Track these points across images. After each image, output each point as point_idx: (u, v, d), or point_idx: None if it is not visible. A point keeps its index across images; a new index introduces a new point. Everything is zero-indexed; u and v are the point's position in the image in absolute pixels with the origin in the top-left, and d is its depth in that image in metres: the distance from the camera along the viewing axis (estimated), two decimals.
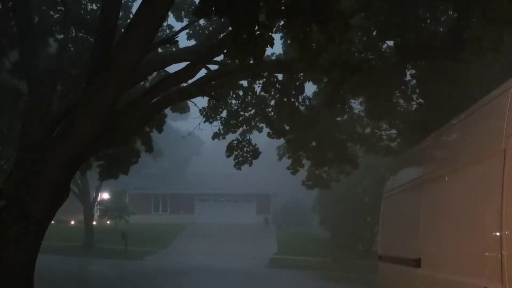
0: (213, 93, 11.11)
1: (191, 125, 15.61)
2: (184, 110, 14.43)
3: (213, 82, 9.96)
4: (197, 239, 31.84)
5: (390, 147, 16.32)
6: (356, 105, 15.94)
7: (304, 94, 12.40)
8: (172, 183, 43.41)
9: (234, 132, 14.31)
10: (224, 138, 14.22)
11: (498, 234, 3.00)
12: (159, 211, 41.90)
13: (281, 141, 17.31)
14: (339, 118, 15.36)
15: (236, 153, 14.17)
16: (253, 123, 14.19)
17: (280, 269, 22.35)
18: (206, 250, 27.66)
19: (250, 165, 14.34)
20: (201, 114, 13.54)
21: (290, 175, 16.06)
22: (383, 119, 14.51)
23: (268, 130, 14.12)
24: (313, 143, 14.44)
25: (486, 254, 3.16)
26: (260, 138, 14.81)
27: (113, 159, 11.65)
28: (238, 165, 14.28)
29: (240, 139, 14.16)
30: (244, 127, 14.21)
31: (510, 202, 2.93)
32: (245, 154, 14.19)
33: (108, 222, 34.72)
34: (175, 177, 46.53)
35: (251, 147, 14.15)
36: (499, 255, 2.96)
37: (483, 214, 3.28)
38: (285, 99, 12.21)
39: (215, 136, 14.21)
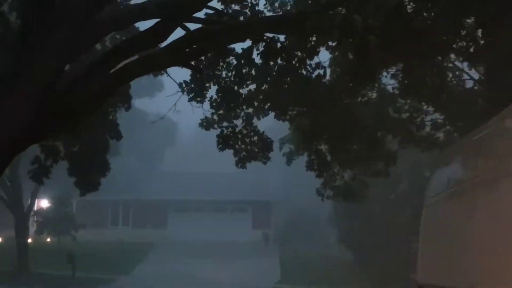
0: (193, 62, 11.07)
1: (163, 105, 15.52)
2: (154, 87, 14.45)
3: (193, 47, 9.94)
4: (171, 263, 31.91)
5: (435, 138, 16.36)
6: (389, 80, 15.96)
7: (317, 61, 12.30)
8: (136, 186, 43.39)
9: (236, 117, 14.09)
10: (221, 126, 13.99)
11: None
12: (118, 224, 41.98)
13: (285, 131, 17.27)
14: (365, 98, 15.33)
15: (237, 146, 14.03)
16: (256, 104, 14.01)
17: None
18: (184, 278, 27.73)
19: (265, 163, 14.16)
20: (181, 90, 13.46)
21: (298, 176, 16.03)
22: (425, 98, 14.51)
23: (274, 113, 14.02)
24: (332, 130, 14.25)
25: None
26: (259, 124, 14.73)
27: (80, 159, 11.80)
28: (241, 163, 14.04)
29: (237, 127, 13.96)
30: (245, 110, 14.05)
31: None
32: (249, 147, 14.03)
33: (48, 239, 34.76)
34: (141, 178, 46.54)
35: (257, 137, 13.94)
36: None
37: None
38: (292, 69, 12.16)
39: (206, 123, 14.02)
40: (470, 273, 4.56)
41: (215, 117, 14.00)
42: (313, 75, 12.61)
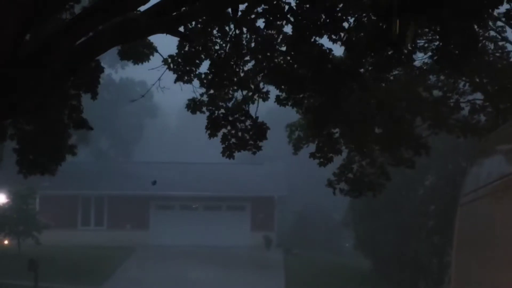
0: (180, 29, 11.02)
1: (145, 77, 15.43)
2: (141, 55, 14.26)
3: (182, 9, 9.89)
4: (153, 272, 32.06)
5: (474, 122, 16.37)
6: (417, 56, 15.91)
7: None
8: (111, 178, 43.54)
9: (228, 100, 14.08)
10: (210, 110, 13.99)
11: None
12: (90, 225, 42.11)
13: (292, 116, 17.24)
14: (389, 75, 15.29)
15: (225, 131, 14.05)
16: (252, 86, 14.00)
17: None
18: None
19: (254, 153, 14.22)
20: (165, 64, 13.43)
21: (306, 168, 16.02)
22: (463, 73, 14.47)
23: (277, 94, 13.94)
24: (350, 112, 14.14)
25: None
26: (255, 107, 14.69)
27: (33, 139, 11.77)
28: (228, 152, 14.09)
29: (229, 109, 13.97)
30: (241, 93, 14.04)
31: None
32: (241, 134, 14.05)
33: (6, 241, 34.86)
34: (117, 169, 46.64)
35: (249, 122, 13.97)
36: None
37: None
38: (303, 36, 12.06)
39: (193, 106, 14.01)
40: None
41: (204, 97, 13.97)
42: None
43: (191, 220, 41.57)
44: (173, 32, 10.64)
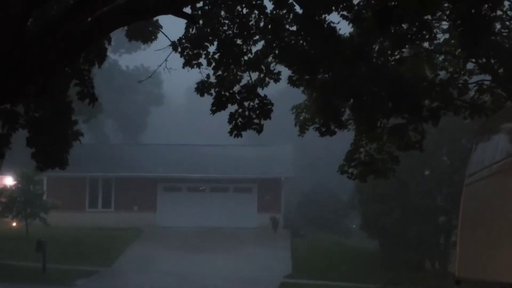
0: (187, 10, 10.99)
1: (152, 60, 15.44)
2: (148, 36, 14.23)
3: None
4: (162, 253, 32.20)
5: (481, 103, 16.30)
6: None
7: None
8: (119, 161, 43.62)
9: (237, 81, 14.01)
10: (218, 91, 13.95)
11: None
12: (97, 207, 42.25)
13: (299, 96, 17.18)
14: (397, 56, 15.20)
15: (232, 111, 14.00)
16: (263, 67, 13.90)
17: None
18: (177, 270, 28.03)
19: (258, 132, 14.17)
20: (173, 48, 13.40)
21: (312, 149, 15.97)
22: (476, 53, 14.36)
23: (289, 75, 13.82)
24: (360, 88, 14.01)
25: None
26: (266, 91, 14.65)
27: (41, 125, 11.80)
28: (236, 131, 14.05)
29: (236, 87, 13.88)
30: (250, 74, 13.95)
31: None
32: (248, 113, 14.02)
33: (14, 223, 35.06)
34: (124, 151, 46.73)
35: (257, 101, 13.92)
36: None
37: None
38: (312, 14, 12.00)
39: (201, 88, 13.97)
40: None
41: (213, 79, 13.93)
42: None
43: (198, 202, 41.66)
44: (180, 13, 10.62)
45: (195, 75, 14.29)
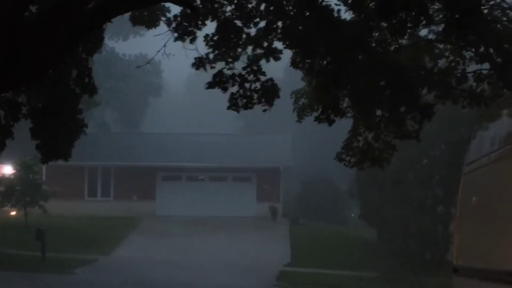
0: None
1: (149, 48, 15.33)
2: (151, 20, 14.13)
3: None
4: (161, 242, 32.29)
5: (479, 91, 16.30)
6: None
7: None
8: (118, 149, 43.61)
9: (235, 58, 13.86)
10: (213, 67, 13.85)
11: None
12: (97, 195, 42.32)
13: (298, 82, 17.12)
14: (396, 45, 15.15)
15: (233, 91, 13.88)
16: (265, 44, 13.73)
17: None
18: (177, 259, 28.09)
19: (264, 110, 14.08)
20: (169, 27, 13.32)
21: (311, 138, 15.93)
22: (469, 41, 14.34)
23: (288, 55, 13.70)
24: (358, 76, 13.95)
25: None
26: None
27: (44, 116, 11.79)
28: (234, 106, 13.95)
29: (242, 69, 13.73)
30: (249, 51, 13.82)
31: None
32: (249, 93, 13.91)
33: (13, 212, 35.08)
34: (123, 140, 46.70)
35: (260, 81, 13.83)
36: None
37: None
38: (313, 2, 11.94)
39: (199, 63, 13.84)
40: None
41: (210, 56, 13.81)
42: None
43: (197, 191, 41.73)
44: (179, 1, 10.61)
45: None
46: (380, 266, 28.36)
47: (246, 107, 14.01)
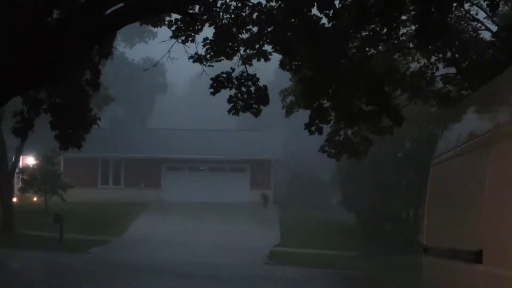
0: (191, 8, 10.94)
1: (157, 52, 15.23)
2: (157, 22, 13.92)
3: None
4: (165, 224, 32.27)
5: (446, 93, 16.35)
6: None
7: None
8: (127, 143, 43.55)
9: (229, 58, 13.77)
10: (211, 65, 13.76)
11: None
12: (109, 184, 42.26)
13: (287, 84, 17.11)
14: (372, 51, 15.12)
15: (232, 93, 13.77)
16: (257, 46, 13.63)
17: (282, 267, 22.81)
18: (179, 240, 28.09)
19: (256, 115, 13.99)
20: (174, 35, 13.23)
21: (299, 134, 15.97)
22: (437, 48, 14.37)
23: (277, 62, 13.60)
24: (338, 83, 13.90)
25: None
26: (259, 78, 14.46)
27: (62, 110, 11.77)
28: (234, 110, 13.87)
29: (236, 72, 13.62)
30: (243, 52, 13.70)
31: None
32: (245, 96, 13.81)
33: (34, 198, 35.03)
34: (132, 134, 46.64)
35: (254, 86, 13.77)
36: None
37: None
38: (299, 9, 11.87)
39: (197, 58, 13.74)
40: (478, 235, 4.60)
41: (208, 57, 13.72)
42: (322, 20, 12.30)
43: (198, 180, 41.75)
44: (183, 12, 10.59)
45: (197, 67, 14.16)
46: (358, 246, 28.48)
47: (244, 110, 13.95)
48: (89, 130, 13.13)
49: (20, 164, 31.55)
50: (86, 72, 12.10)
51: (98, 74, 12.14)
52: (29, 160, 35.30)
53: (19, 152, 29.12)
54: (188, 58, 13.92)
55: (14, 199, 29.91)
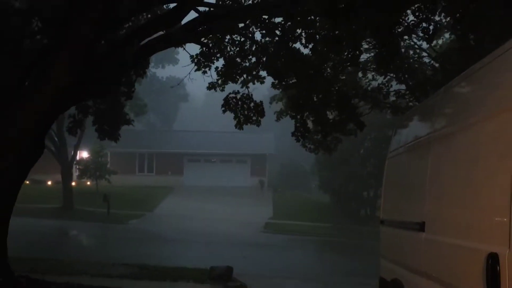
0: (204, 39, 10.92)
1: (180, 73, 15.20)
2: (172, 59, 14.05)
3: (204, 27, 9.78)
4: (186, 203, 32.29)
5: (398, 105, 16.32)
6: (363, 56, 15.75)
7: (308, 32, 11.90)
8: (158, 141, 43.55)
9: (235, 82, 13.80)
10: (222, 90, 13.80)
11: (509, 196, 3.05)
12: (144, 172, 42.23)
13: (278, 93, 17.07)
14: (343, 73, 15.08)
15: (238, 111, 13.80)
16: (254, 72, 13.67)
17: (275, 235, 22.84)
18: (197, 214, 28.11)
19: (258, 125, 13.97)
20: (192, 62, 13.23)
21: (287, 134, 15.94)
22: (391, 70, 14.36)
23: (271, 81, 13.64)
24: (317, 99, 13.91)
25: (495, 218, 3.22)
26: (256, 93, 14.46)
27: (103, 115, 11.72)
28: (239, 125, 13.87)
29: (238, 94, 13.67)
30: (244, 77, 13.73)
31: None
32: (247, 112, 13.84)
33: (88, 183, 35.01)
34: (162, 134, 46.62)
35: (252, 104, 13.80)
36: (509, 219, 3.03)
37: (495, 175, 3.32)
38: (286, 44, 11.87)
39: (211, 86, 13.81)
40: (422, 210, 4.63)
41: (219, 82, 13.77)
42: (304, 51, 12.31)
43: (211, 169, 41.76)
44: (199, 42, 10.56)
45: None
46: (332, 219, 28.48)
47: (246, 122, 13.95)
48: (120, 127, 13.00)
49: (77, 157, 31.54)
50: (121, 87, 12.06)
51: (131, 88, 12.10)
52: (83, 154, 35.32)
53: (76, 148, 29.11)
54: (206, 88, 13.86)
55: (73, 184, 29.91)
